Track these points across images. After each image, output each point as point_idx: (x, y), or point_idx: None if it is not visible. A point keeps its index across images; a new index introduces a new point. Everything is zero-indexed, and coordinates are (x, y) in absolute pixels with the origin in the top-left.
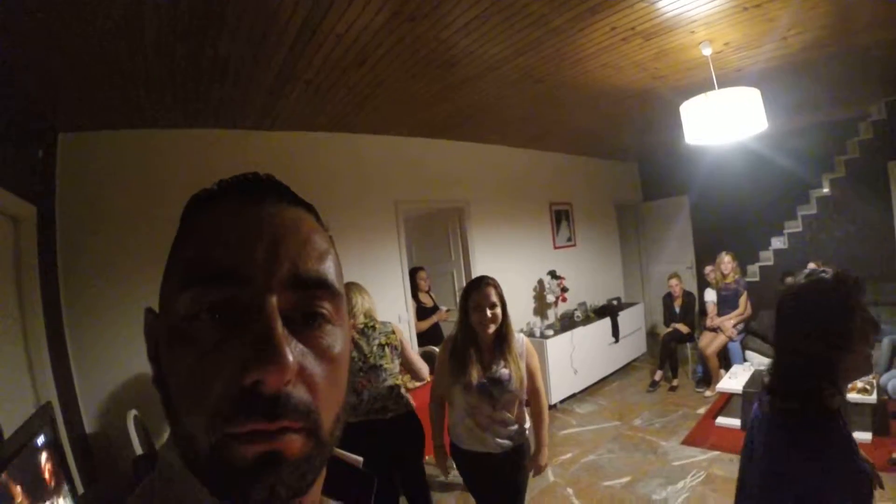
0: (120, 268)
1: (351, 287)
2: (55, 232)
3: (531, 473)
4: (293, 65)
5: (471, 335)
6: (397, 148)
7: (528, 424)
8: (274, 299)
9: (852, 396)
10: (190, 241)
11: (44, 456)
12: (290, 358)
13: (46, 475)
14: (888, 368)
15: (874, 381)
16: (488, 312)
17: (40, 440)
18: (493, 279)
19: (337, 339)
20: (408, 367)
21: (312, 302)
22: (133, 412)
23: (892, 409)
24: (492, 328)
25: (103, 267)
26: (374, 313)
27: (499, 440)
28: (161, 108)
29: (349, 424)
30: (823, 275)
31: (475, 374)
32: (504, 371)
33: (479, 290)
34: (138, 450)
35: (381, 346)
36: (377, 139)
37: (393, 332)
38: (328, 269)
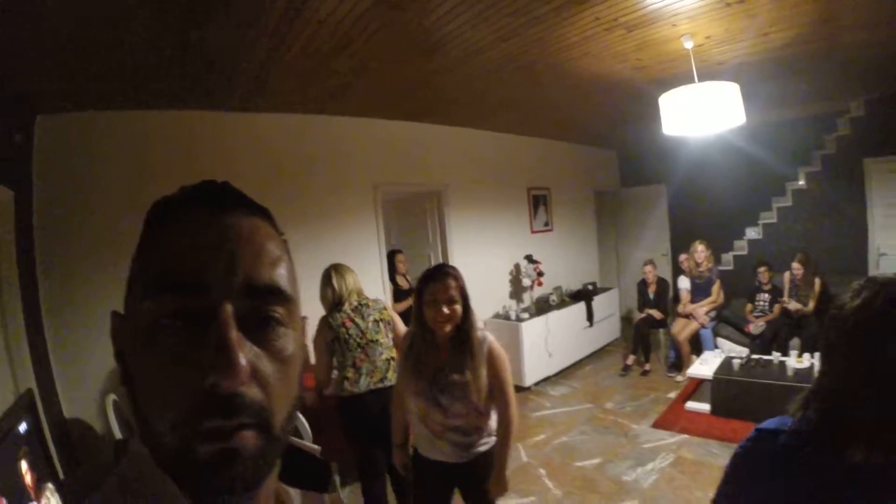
0: (101, 252)
1: (338, 269)
2: (32, 217)
3: (491, 495)
4: (276, 50)
5: (426, 333)
6: (378, 131)
7: (494, 434)
8: (229, 307)
9: None
10: (151, 249)
11: (26, 444)
12: (243, 362)
13: (29, 464)
14: None
15: None
16: (444, 309)
17: (22, 427)
18: (454, 269)
19: (289, 340)
20: (397, 343)
21: (266, 307)
22: (112, 397)
23: None
24: (448, 326)
25: (83, 251)
26: (361, 288)
27: (456, 450)
28: (144, 91)
29: (351, 397)
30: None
31: (425, 379)
32: (456, 377)
33: (435, 282)
34: (118, 434)
35: (376, 321)
36: (358, 122)
37: (385, 309)
38: (280, 275)
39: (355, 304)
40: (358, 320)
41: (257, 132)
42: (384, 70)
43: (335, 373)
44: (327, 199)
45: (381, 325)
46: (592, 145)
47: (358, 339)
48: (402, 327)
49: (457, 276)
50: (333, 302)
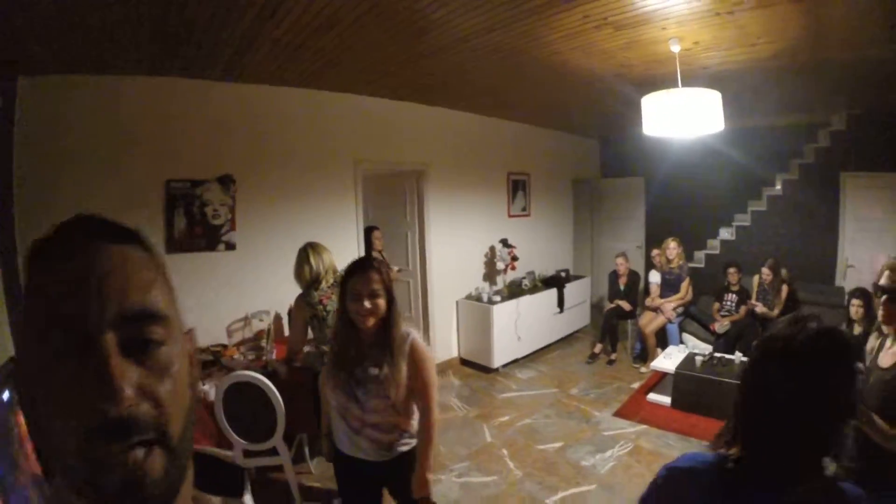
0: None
1: (314, 247)
2: (12, 178)
3: (412, 495)
4: (261, 26)
5: (348, 326)
6: (361, 107)
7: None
8: (108, 336)
9: None
10: (32, 290)
11: (11, 412)
12: (127, 389)
13: (19, 429)
14: None
15: None
16: (366, 303)
17: (5, 396)
18: (379, 263)
19: (172, 357)
20: None
21: (144, 331)
22: None
23: None
24: (371, 321)
25: (63, 213)
26: (336, 266)
27: (374, 447)
28: (126, 59)
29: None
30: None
31: (344, 373)
32: (374, 371)
33: (359, 276)
34: None
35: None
36: (342, 97)
37: None
38: (153, 298)
39: (332, 281)
40: (335, 297)
41: (238, 102)
42: (370, 50)
43: (307, 347)
44: (307, 172)
45: None
46: (575, 133)
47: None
48: None
49: (380, 270)
50: (311, 280)
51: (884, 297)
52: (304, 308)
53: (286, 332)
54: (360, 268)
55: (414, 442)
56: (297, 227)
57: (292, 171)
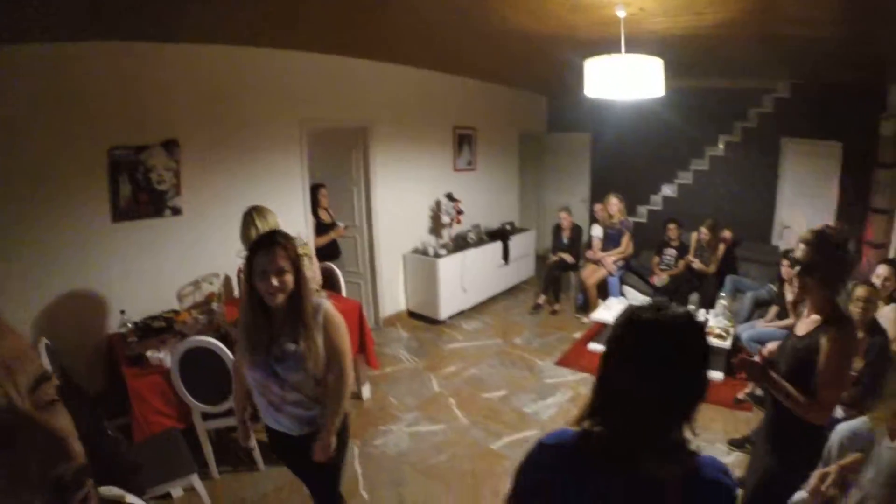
0: (34, 187)
1: (259, 210)
2: None
3: (314, 458)
4: None
5: (258, 303)
6: (306, 65)
7: None
8: None
9: (709, 340)
10: None
11: None
12: None
13: None
14: (747, 320)
15: (730, 329)
16: (274, 281)
17: None
18: (284, 237)
19: None
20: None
21: None
22: (45, 341)
23: (743, 356)
24: (280, 297)
25: (16, 185)
26: (281, 229)
27: (297, 422)
28: (67, 26)
29: None
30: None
31: (260, 350)
32: (291, 347)
33: (265, 253)
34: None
35: (300, 256)
36: (286, 55)
37: (305, 244)
38: None
39: None
40: None
41: (180, 64)
42: (315, 5)
43: None
44: (252, 132)
45: (304, 259)
46: (523, 88)
47: None
48: (317, 263)
49: (286, 246)
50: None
51: (796, 269)
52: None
53: (236, 294)
54: (265, 244)
55: None
56: (243, 189)
57: (237, 132)
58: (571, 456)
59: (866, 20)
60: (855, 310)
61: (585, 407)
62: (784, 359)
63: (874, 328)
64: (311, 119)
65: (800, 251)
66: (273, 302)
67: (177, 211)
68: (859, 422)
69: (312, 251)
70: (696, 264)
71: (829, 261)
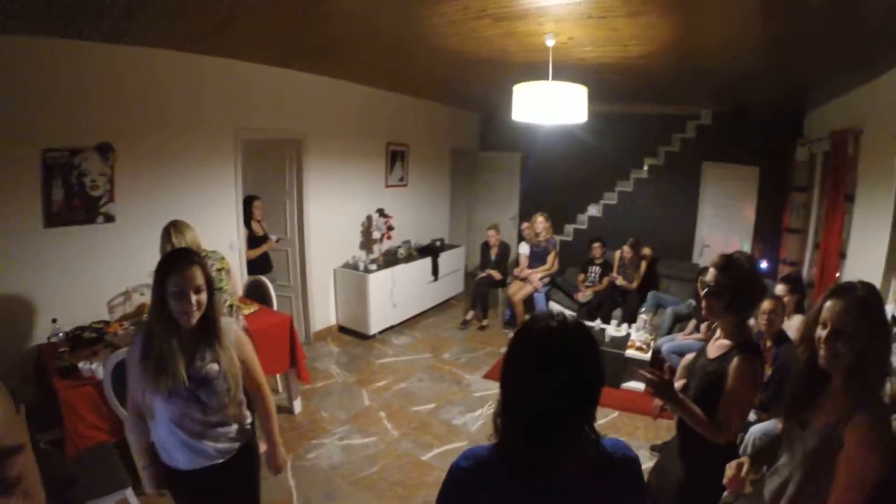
0: None
1: (177, 226)
2: None
3: (273, 473)
4: None
5: (171, 327)
6: (243, 74)
7: (249, 420)
8: None
9: (630, 352)
10: None
11: None
12: None
13: None
14: (668, 333)
15: (651, 342)
16: (193, 299)
17: None
18: (197, 255)
19: None
20: (235, 290)
21: None
22: None
23: (665, 368)
24: (196, 317)
25: None
26: (199, 244)
27: (219, 447)
28: (6, 21)
29: None
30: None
31: (176, 377)
32: (215, 367)
33: (180, 272)
34: None
35: (219, 270)
36: (224, 63)
37: (223, 258)
38: None
39: None
40: None
41: (118, 66)
42: (256, 17)
43: None
44: (188, 140)
45: (222, 273)
46: (456, 107)
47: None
48: (237, 275)
49: (202, 263)
50: None
51: (704, 292)
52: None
53: None
54: (179, 263)
55: (249, 431)
56: (176, 197)
57: (172, 139)
58: (488, 470)
59: (783, 53)
60: (761, 321)
61: (494, 420)
62: (694, 380)
63: (781, 338)
64: (246, 129)
65: (709, 275)
66: (189, 322)
67: (110, 218)
68: (771, 423)
69: (243, 261)
70: (620, 281)
71: (737, 286)
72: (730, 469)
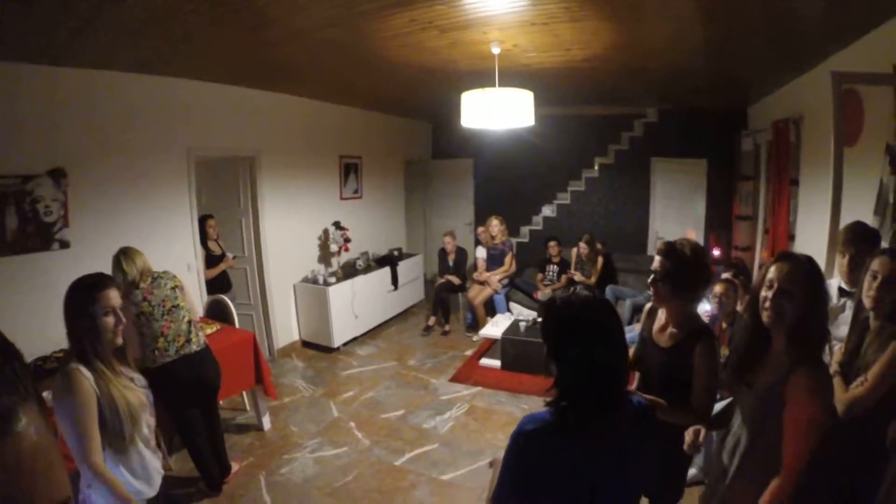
0: None
1: (126, 253)
2: None
3: None
4: (100, 10)
5: (105, 347)
6: (193, 93)
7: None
8: None
9: None
10: None
11: None
12: None
13: None
14: (628, 324)
15: None
16: (123, 317)
17: None
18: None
19: None
20: (191, 307)
21: None
22: None
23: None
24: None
25: None
26: (150, 268)
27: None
28: None
29: (163, 367)
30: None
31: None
32: (142, 378)
33: (105, 290)
34: None
35: (173, 288)
36: (174, 82)
37: (175, 277)
38: None
39: (149, 281)
40: (157, 291)
41: (67, 89)
42: (209, 38)
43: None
44: (140, 161)
45: (177, 290)
46: (407, 117)
47: (162, 308)
48: (190, 292)
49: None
50: (127, 284)
51: (650, 279)
52: (130, 308)
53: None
54: (103, 284)
55: None
56: (131, 220)
57: (125, 162)
58: (552, 432)
59: (722, 51)
60: (714, 304)
61: (553, 389)
62: (655, 375)
63: (735, 319)
64: (199, 147)
65: (655, 262)
66: (118, 339)
67: (64, 244)
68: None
69: (202, 281)
70: (578, 277)
71: (679, 270)
72: (688, 436)
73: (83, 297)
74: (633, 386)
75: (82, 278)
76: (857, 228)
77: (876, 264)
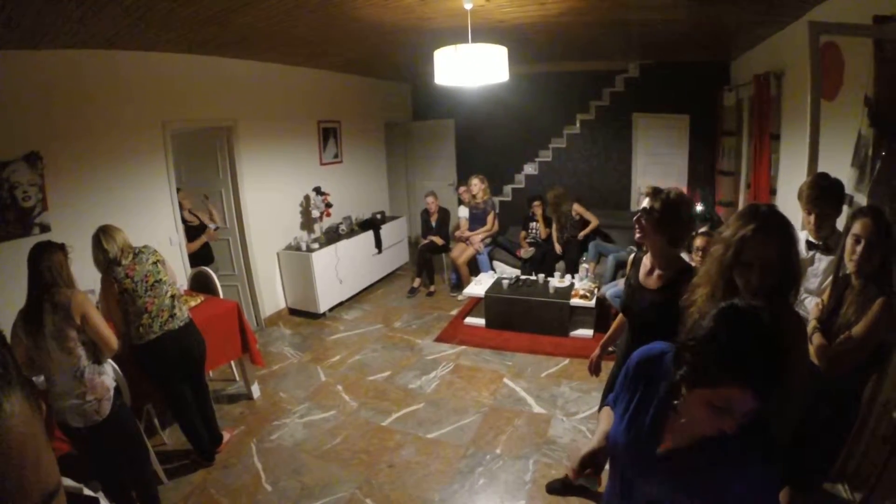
0: None
1: (106, 231)
2: None
3: None
4: None
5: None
6: (166, 66)
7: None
8: None
9: (575, 301)
10: None
11: None
12: None
13: None
14: (612, 280)
15: (594, 290)
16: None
17: None
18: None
19: None
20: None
21: None
22: None
23: (613, 313)
24: None
25: None
26: (130, 244)
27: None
28: None
29: (149, 343)
30: None
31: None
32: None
33: (50, 254)
34: None
35: (154, 263)
36: (146, 56)
37: (155, 251)
38: None
39: (130, 256)
40: (139, 267)
41: (35, 71)
42: (173, 7)
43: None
44: (115, 139)
45: (159, 265)
46: (386, 79)
47: (145, 284)
48: (171, 265)
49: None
50: (108, 262)
51: (636, 216)
52: (113, 285)
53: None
54: (49, 248)
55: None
56: (110, 198)
57: (100, 140)
58: (656, 363)
59: (703, 1)
60: (696, 258)
61: (688, 333)
62: (645, 316)
63: None
64: (174, 120)
65: (643, 202)
66: None
67: (45, 228)
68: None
69: (185, 255)
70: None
71: (666, 207)
72: None
73: None
74: (623, 334)
75: None
76: (822, 183)
77: (858, 227)
